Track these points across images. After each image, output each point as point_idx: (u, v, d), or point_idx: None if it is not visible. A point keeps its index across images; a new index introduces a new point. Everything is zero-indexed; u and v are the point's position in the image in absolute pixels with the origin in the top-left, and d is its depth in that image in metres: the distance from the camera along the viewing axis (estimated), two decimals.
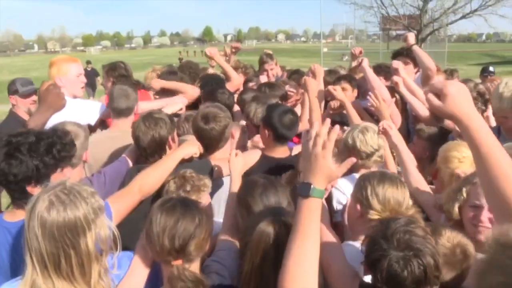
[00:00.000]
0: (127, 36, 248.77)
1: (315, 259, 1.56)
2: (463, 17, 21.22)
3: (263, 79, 5.49)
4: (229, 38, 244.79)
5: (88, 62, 22.12)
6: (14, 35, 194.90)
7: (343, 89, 4.29)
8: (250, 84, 5.48)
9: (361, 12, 24.41)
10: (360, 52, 4.63)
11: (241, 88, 5.31)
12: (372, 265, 1.72)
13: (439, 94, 1.55)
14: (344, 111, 4.08)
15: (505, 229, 1.15)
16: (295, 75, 5.74)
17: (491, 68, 6.80)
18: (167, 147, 2.86)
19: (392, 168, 3.17)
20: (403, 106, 4.56)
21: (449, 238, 1.95)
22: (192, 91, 4.48)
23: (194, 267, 1.93)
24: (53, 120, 2.88)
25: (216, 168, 2.94)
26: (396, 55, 5.21)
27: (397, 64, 4.37)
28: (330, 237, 2.03)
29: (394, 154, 3.22)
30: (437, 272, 1.68)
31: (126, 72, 4.69)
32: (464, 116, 1.51)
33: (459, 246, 1.95)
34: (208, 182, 2.56)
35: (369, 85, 4.23)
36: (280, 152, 3.12)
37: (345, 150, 3.06)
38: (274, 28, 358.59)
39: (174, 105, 4.15)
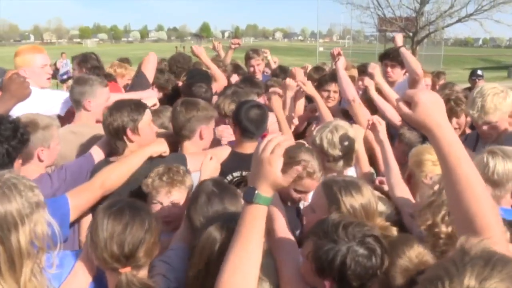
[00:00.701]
0: (124, 29, 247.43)
1: (255, 267, 1.50)
2: (459, 20, 21.32)
3: (235, 79, 5.47)
4: (226, 34, 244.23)
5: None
6: (10, 25, 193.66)
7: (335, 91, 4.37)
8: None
9: (358, 12, 24.45)
10: (339, 53, 4.59)
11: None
12: (328, 268, 1.64)
13: (410, 102, 1.51)
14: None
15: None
16: (280, 73, 5.75)
17: (479, 72, 6.88)
18: (125, 138, 2.76)
19: (365, 167, 3.08)
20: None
21: (419, 254, 1.79)
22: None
23: (143, 273, 1.85)
24: (20, 110, 2.82)
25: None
26: (383, 57, 5.16)
27: (373, 68, 4.29)
28: (285, 241, 1.96)
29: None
30: (385, 242, 1.69)
31: (98, 63, 4.66)
32: (434, 126, 1.47)
33: (425, 266, 1.75)
34: (187, 180, 2.52)
35: (340, 85, 4.20)
36: (249, 148, 3.03)
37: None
38: (271, 26, 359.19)
39: (147, 99, 4.17)
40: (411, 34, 21.62)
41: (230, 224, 1.66)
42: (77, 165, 2.77)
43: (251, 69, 5.88)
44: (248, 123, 3.01)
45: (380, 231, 1.83)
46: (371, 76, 4.20)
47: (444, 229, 1.90)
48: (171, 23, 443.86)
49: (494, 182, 2.43)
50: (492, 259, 1.09)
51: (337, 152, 2.86)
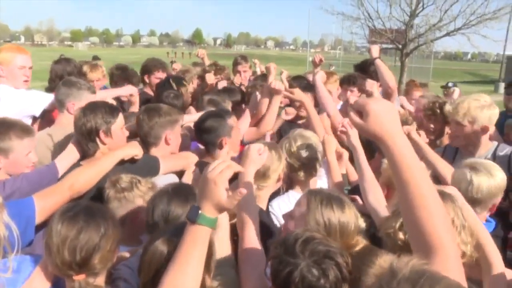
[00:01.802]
0: (116, 33, 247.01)
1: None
2: (447, 34, 21.57)
3: (222, 84, 5.42)
4: (218, 42, 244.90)
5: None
6: (0, 25, 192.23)
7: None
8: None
9: (348, 23, 24.64)
10: (320, 60, 4.48)
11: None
12: (284, 285, 1.59)
13: (361, 111, 1.43)
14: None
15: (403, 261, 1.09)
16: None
17: (450, 84, 6.94)
18: (97, 139, 2.73)
19: (337, 177, 3.01)
20: None
21: (387, 260, 1.79)
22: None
23: (100, 280, 1.79)
24: None
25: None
26: (357, 68, 5.15)
27: (371, 85, 4.14)
28: (252, 252, 1.91)
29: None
30: (350, 268, 1.60)
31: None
32: (387, 136, 1.39)
33: None
34: (143, 189, 2.42)
35: (319, 99, 4.13)
36: (215, 158, 3.01)
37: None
38: (264, 34, 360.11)
39: (125, 91, 4.22)
40: (400, 46, 21.80)
41: (178, 238, 1.58)
42: (37, 174, 2.65)
43: (238, 75, 5.86)
44: (200, 133, 3.08)
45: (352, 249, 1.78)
46: (370, 94, 4.10)
47: (401, 236, 1.86)
48: (164, 28, 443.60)
49: (476, 200, 2.43)
50: (420, 281, 1.03)
51: (295, 161, 2.80)
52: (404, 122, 3.73)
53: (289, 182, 2.80)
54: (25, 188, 2.48)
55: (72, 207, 1.83)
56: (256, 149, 2.22)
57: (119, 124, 2.81)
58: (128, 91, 4.25)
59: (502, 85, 33.45)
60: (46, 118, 3.73)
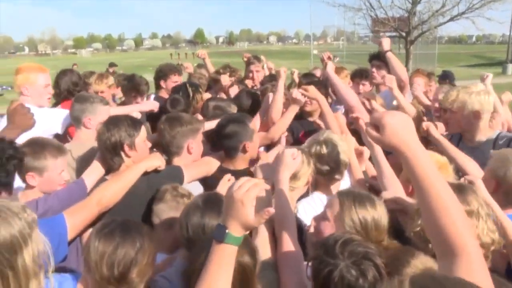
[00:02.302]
0: (119, 38, 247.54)
1: None
2: (451, 19, 21.40)
3: (234, 91, 5.31)
4: (221, 40, 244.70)
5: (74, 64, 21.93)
6: (4, 37, 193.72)
7: None
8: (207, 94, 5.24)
9: (351, 14, 24.51)
10: (329, 58, 4.43)
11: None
12: (323, 284, 1.62)
13: (378, 125, 1.50)
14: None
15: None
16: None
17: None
18: (122, 153, 2.76)
19: (358, 174, 3.04)
20: None
21: (423, 261, 1.76)
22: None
23: None
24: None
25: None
26: (372, 58, 5.12)
27: (390, 81, 4.11)
28: (292, 255, 1.93)
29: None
30: (387, 269, 1.63)
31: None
32: (404, 147, 1.45)
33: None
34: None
35: (335, 90, 4.08)
36: (237, 164, 3.10)
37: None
38: (265, 30, 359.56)
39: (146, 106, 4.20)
40: (404, 34, 21.67)
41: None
42: (67, 191, 2.70)
43: (250, 74, 5.79)
44: (221, 140, 3.06)
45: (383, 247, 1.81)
46: (390, 90, 4.12)
47: None
48: (165, 30, 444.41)
49: None
50: None
51: (324, 166, 2.81)
52: (418, 119, 3.75)
53: (314, 184, 2.81)
54: (57, 206, 2.54)
55: (109, 224, 1.88)
56: (290, 154, 2.27)
57: (142, 137, 2.84)
58: (150, 106, 4.25)
59: (510, 66, 33.22)
60: (63, 135, 3.79)
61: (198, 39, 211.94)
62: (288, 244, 1.97)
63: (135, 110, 4.04)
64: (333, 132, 3.19)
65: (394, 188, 2.58)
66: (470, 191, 1.99)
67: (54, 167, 2.71)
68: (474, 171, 2.83)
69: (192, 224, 2.06)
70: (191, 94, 4.37)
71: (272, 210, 1.53)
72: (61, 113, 3.76)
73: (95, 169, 2.85)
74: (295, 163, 2.29)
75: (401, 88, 4.35)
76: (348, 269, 1.57)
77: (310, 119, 4.15)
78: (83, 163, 3.08)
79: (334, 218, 2.05)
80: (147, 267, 1.84)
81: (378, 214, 2.03)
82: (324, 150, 2.80)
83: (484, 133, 3.33)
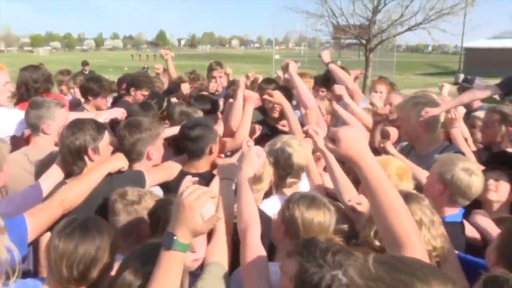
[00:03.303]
0: (78, 37, 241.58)
1: None
2: (409, 29, 22.03)
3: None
4: (183, 42, 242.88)
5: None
6: None
7: None
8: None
9: (313, 20, 24.87)
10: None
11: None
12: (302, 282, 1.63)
13: (334, 139, 1.67)
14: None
15: (361, 262, 1.16)
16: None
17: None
18: (86, 157, 2.73)
19: (316, 179, 3.10)
20: None
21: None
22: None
23: None
24: None
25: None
26: (321, 82, 5.28)
27: (339, 89, 4.26)
28: (257, 260, 1.92)
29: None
30: None
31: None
32: (356, 157, 1.62)
33: None
34: (150, 202, 2.44)
35: (295, 91, 4.15)
36: (200, 167, 3.14)
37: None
38: (228, 33, 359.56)
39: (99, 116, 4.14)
40: (364, 41, 22.16)
41: (147, 267, 1.62)
42: (21, 196, 2.65)
43: (213, 80, 5.81)
44: (185, 142, 3.09)
45: None
46: (340, 98, 4.22)
47: (377, 243, 2.02)
48: (127, 31, 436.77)
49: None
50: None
51: (280, 172, 2.92)
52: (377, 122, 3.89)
53: (276, 184, 2.90)
54: (12, 211, 2.45)
55: (70, 224, 1.88)
56: (255, 152, 2.34)
57: (105, 141, 2.82)
58: (116, 114, 4.10)
59: (461, 76, 34.55)
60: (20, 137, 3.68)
61: (160, 41, 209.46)
62: (253, 245, 1.97)
63: (103, 116, 3.93)
64: (296, 136, 3.28)
65: (348, 192, 2.65)
66: (415, 200, 2.11)
67: (9, 160, 2.65)
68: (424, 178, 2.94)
69: (163, 223, 2.05)
70: (164, 106, 4.38)
71: (221, 216, 1.61)
72: (18, 115, 3.61)
73: (53, 174, 2.79)
74: (259, 161, 2.35)
75: (351, 96, 4.42)
76: (341, 279, 1.57)
77: (281, 127, 4.24)
78: (42, 168, 3.01)
79: (280, 220, 2.19)
80: (107, 266, 1.85)
81: (322, 217, 2.15)
82: (282, 156, 2.89)
83: (431, 143, 3.41)
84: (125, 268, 1.66)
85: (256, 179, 2.58)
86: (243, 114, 3.86)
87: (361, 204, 2.44)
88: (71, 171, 2.78)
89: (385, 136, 3.93)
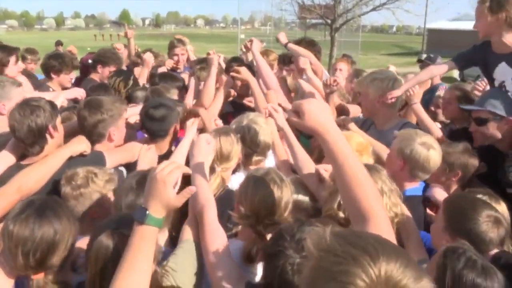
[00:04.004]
0: (37, 16, 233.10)
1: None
2: (374, 9, 22.33)
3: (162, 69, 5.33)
4: (147, 22, 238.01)
5: None
6: None
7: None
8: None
9: (278, 0, 24.81)
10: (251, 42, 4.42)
11: None
12: (268, 257, 1.65)
13: (299, 111, 1.65)
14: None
15: (320, 234, 1.10)
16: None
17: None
18: (48, 136, 2.64)
19: (282, 155, 3.09)
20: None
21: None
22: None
23: (63, 274, 1.83)
24: None
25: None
26: (283, 62, 5.38)
27: (304, 63, 4.29)
28: (217, 238, 1.91)
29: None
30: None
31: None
32: (321, 129, 1.60)
33: None
34: (100, 183, 2.37)
35: (258, 71, 4.10)
36: (162, 147, 3.11)
37: None
38: (193, 13, 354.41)
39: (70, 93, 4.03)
40: (329, 21, 22.30)
41: (122, 230, 1.62)
42: None
43: (175, 57, 5.74)
44: (149, 123, 3.04)
45: None
46: (303, 71, 4.26)
47: (341, 215, 2.05)
48: (89, 10, 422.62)
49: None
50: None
51: (248, 149, 2.90)
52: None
53: (243, 162, 2.92)
54: None
55: (25, 208, 1.81)
56: (205, 139, 2.34)
57: (59, 118, 2.76)
58: (75, 94, 4.01)
59: (424, 56, 35.28)
60: None
61: (123, 20, 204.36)
62: (212, 224, 1.97)
63: (62, 97, 3.76)
64: (262, 113, 3.28)
65: (308, 169, 2.65)
66: (375, 171, 2.16)
67: None
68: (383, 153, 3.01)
69: (126, 207, 2.06)
70: (130, 84, 4.29)
71: (194, 189, 1.58)
72: None
73: (3, 158, 2.67)
74: (209, 148, 2.35)
75: (314, 71, 4.45)
76: (293, 264, 1.55)
77: (247, 102, 4.29)
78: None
79: (241, 197, 2.10)
80: (66, 250, 1.80)
81: (280, 193, 2.06)
82: (248, 134, 2.88)
83: (390, 120, 3.47)
84: (100, 233, 1.64)
85: (224, 158, 2.59)
86: (216, 96, 3.83)
87: (327, 171, 2.44)
88: (30, 151, 2.66)
89: (345, 113, 3.99)
